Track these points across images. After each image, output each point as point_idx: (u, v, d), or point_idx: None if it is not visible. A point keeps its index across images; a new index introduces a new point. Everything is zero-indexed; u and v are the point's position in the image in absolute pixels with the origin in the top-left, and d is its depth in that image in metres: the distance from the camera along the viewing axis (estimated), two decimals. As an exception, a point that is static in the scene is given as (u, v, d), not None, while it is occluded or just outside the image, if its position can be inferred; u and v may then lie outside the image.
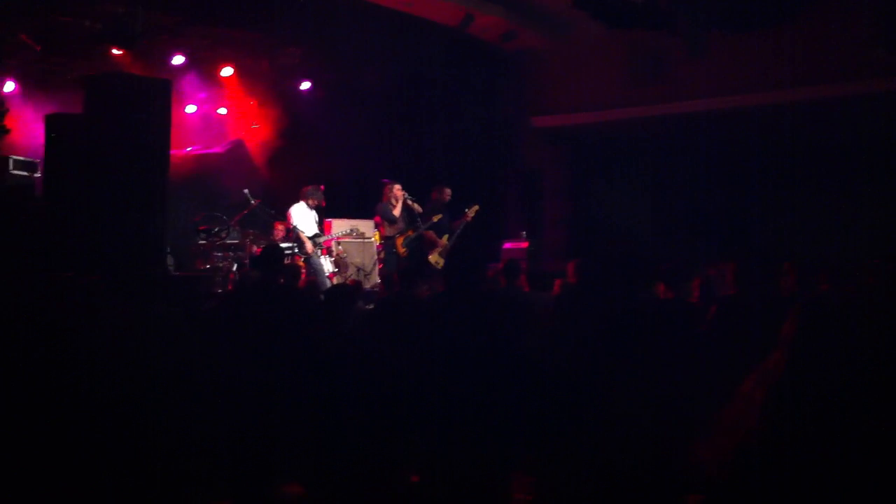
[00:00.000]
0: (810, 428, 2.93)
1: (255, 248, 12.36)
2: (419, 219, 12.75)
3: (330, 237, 12.98)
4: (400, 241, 12.67)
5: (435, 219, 12.72)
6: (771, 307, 4.93)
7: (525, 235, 14.39)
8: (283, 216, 12.92)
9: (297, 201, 12.56)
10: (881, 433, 2.91)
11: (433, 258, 12.71)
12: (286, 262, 11.46)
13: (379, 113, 14.69)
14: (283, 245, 12.10)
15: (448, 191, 12.91)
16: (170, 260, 10.97)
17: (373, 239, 13.79)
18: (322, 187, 12.68)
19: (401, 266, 11.82)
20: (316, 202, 12.58)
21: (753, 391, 3.05)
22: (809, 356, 3.05)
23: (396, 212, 12.68)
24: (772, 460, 2.94)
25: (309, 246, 12.32)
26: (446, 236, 12.79)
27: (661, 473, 4.35)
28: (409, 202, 12.73)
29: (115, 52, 12.07)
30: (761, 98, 12.77)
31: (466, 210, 12.89)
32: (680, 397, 4.48)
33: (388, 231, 12.81)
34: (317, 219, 12.66)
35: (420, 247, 12.75)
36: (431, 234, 12.74)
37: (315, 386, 5.59)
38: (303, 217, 12.49)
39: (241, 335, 5.59)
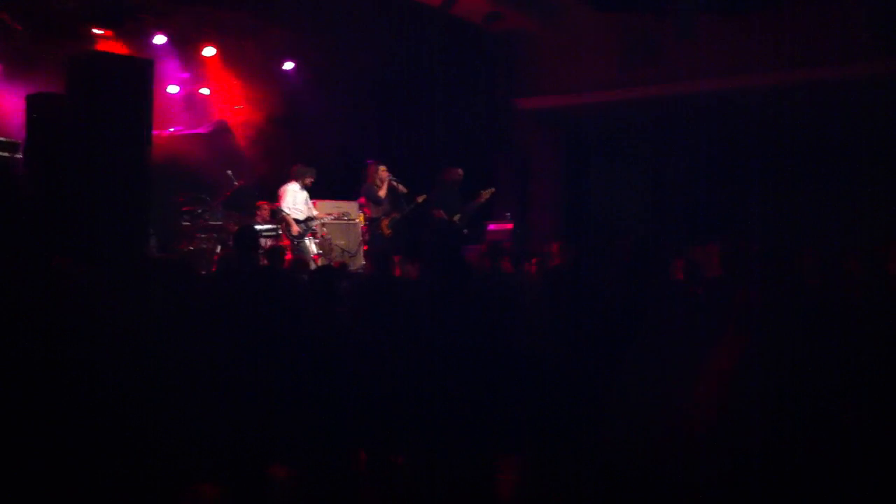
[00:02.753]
0: (781, 406, 2.95)
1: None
2: (404, 200, 12.73)
3: (321, 220, 12.92)
4: (385, 222, 12.66)
5: (419, 199, 12.68)
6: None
7: (509, 217, 14.38)
8: (267, 196, 12.86)
9: (288, 181, 12.49)
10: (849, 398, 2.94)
11: (384, 228, 12.68)
12: (269, 244, 11.45)
13: (365, 94, 14.63)
14: (265, 227, 12.05)
15: (460, 171, 12.88)
16: (153, 241, 10.91)
17: (357, 221, 13.76)
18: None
19: (384, 247, 11.81)
20: (310, 181, 12.54)
21: (720, 366, 3.07)
22: (771, 333, 3.07)
23: (382, 193, 12.65)
24: (745, 436, 2.97)
25: (295, 228, 12.28)
26: (457, 216, 12.74)
27: (654, 456, 4.36)
28: (394, 183, 12.70)
29: (96, 31, 11.95)
30: (753, 80, 12.76)
31: (482, 192, 12.86)
32: (666, 380, 4.49)
33: (374, 212, 12.79)
34: (308, 199, 12.60)
35: (407, 227, 12.74)
36: (440, 212, 12.69)
37: (301, 367, 5.58)
38: (296, 198, 12.43)
39: (225, 318, 5.56)
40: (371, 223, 12.95)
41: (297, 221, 12.39)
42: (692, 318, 4.73)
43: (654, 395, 4.48)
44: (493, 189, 12.98)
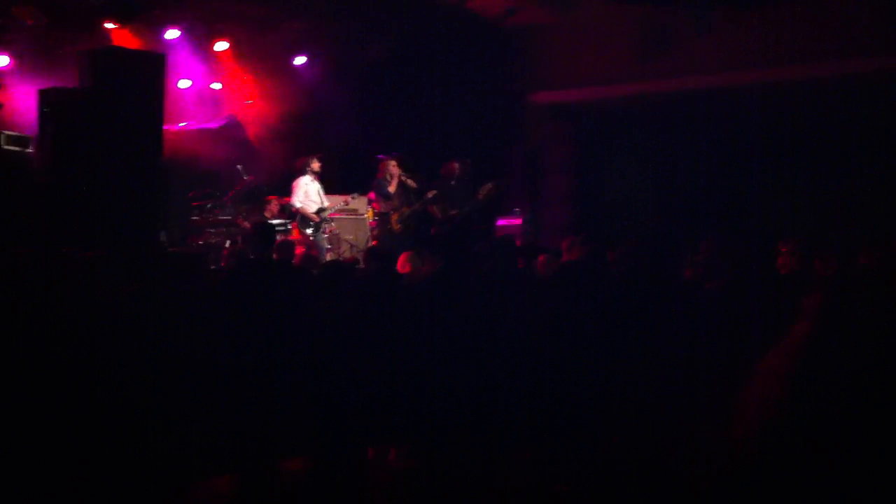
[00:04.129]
0: (840, 402, 2.93)
1: (248, 225, 12.34)
2: (414, 195, 12.71)
3: (333, 209, 12.94)
4: (395, 217, 12.63)
5: (429, 195, 12.66)
6: (770, 286, 4.95)
7: (519, 212, 14.36)
8: (277, 191, 12.88)
9: (299, 174, 12.52)
10: None
11: (394, 223, 12.65)
12: (279, 238, 11.47)
13: (377, 88, 14.63)
14: (275, 221, 12.07)
15: (457, 165, 12.82)
16: (163, 235, 10.94)
17: (366, 216, 13.76)
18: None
19: (383, 246, 11.81)
20: (318, 166, 12.56)
21: (779, 365, 3.03)
22: (837, 329, 3.04)
23: (392, 188, 12.63)
24: (801, 435, 2.94)
25: (314, 217, 12.33)
26: (454, 211, 12.67)
27: (665, 456, 4.37)
28: (404, 179, 12.68)
29: (108, 26, 11.98)
30: (767, 74, 12.68)
31: (478, 189, 12.78)
32: (680, 378, 4.49)
33: (384, 207, 12.77)
34: (321, 190, 12.62)
35: (418, 222, 12.71)
36: (434, 208, 12.66)
37: (309, 362, 5.60)
38: (308, 190, 12.46)
39: (238, 313, 5.58)
40: (381, 218, 12.94)
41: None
42: (705, 315, 4.73)
43: (668, 394, 4.49)
44: (491, 185, 12.86)
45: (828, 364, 2.96)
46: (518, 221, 14.15)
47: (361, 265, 12.04)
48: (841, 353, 2.97)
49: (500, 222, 13.97)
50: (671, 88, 13.60)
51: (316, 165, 12.58)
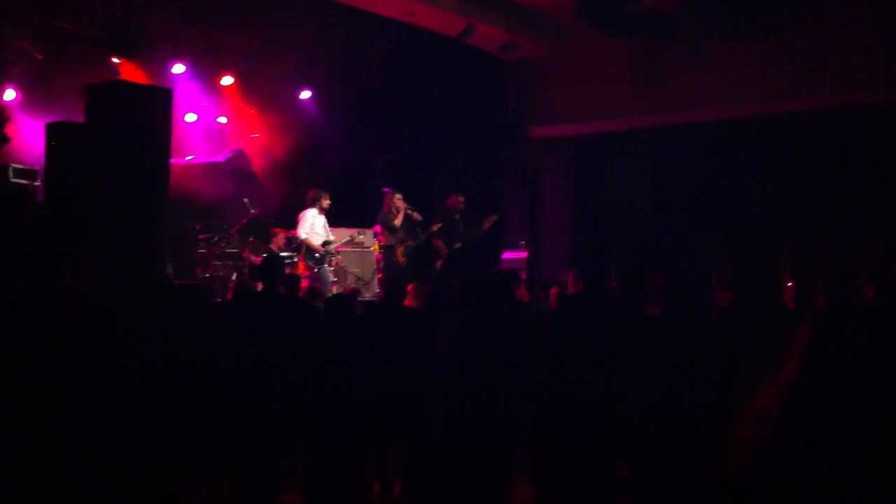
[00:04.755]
0: (828, 434, 2.93)
1: (254, 257, 12.36)
2: (419, 228, 12.75)
3: (339, 242, 12.97)
4: (400, 250, 12.66)
5: (435, 227, 12.68)
6: (772, 318, 4.93)
7: (524, 245, 14.37)
8: (283, 224, 12.90)
9: (306, 207, 12.56)
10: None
11: (398, 256, 12.67)
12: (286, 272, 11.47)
13: (379, 121, 14.70)
14: (283, 254, 12.09)
15: (461, 199, 12.86)
16: (169, 268, 10.95)
17: (372, 248, 13.78)
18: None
19: (396, 276, 11.80)
20: (328, 203, 12.61)
21: (768, 404, 3.04)
22: (821, 366, 3.04)
23: (397, 221, 12.67)
24: (792, 466, 2.95)
25: (319, 248, 12.35)
26: (457, 244, 12.67)
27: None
28: (409, 211, 12.72)
29: (115, 60, 12.08)
30: (762, 107, 12.78)
31: (483, 219, 12.79)
32: (680, 410, 4.49)
33: (389, 240, 12.81)
34: (326, 224, 12.66)
35: (423, 255, 12.73)
36: (438, 242, 12.68)
37: (316, 394, 5.60)
38: (314, 223, 12.49)
39: (242, 344, 5.58)
40: (386, 251, 12.97)
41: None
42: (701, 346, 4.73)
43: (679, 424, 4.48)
44: (495, 217, 12.88)
45: (814, 402, 2.96)
46: (524, 255, 14.16)
47: (367, 296, 12.11)
48: (826, 390, 2.97)
49: (506, 255, 13.98)
50: (667, 122, 13.69)
51: (326, 203, 12.62)
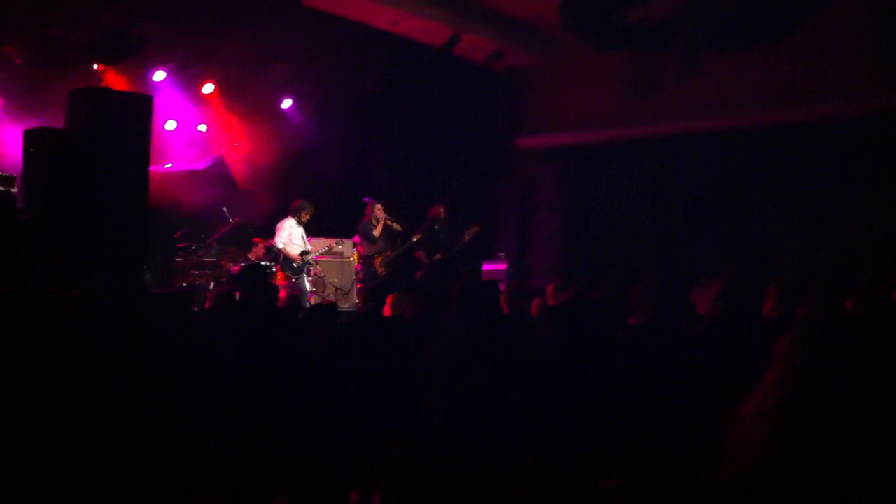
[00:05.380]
0: (826, 434, 2.95)
1: (232, 266, 12.33)
2: (399, 239, 12.74)
3: (318, 252, 12.94)
4: (378, 260, 12.65)
5: (415, 238, 12.67)
6: (757, 327, 4.98)
7: (504, 256, 14.38)
8: (262, 233, 12.87)
9: (286, 216, 12.52)
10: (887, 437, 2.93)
11: (377, 267, 12.64)
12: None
13: (366, 131, 14.71)
14: (262, 264, 12.05)
15: (442, 209, 12.82)
16: (147, 276, 10.91)
17: (351, 259, 13.77)
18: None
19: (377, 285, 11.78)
20: (308, 217, 12.57)
21: (761, 406, 3.06)
22: (810, 366, 3.06)
23: (377, 232, 12.66)
24: (791, 471, 2.96)
25: (296, 258, 12.31)
26: (438, 255, 12.64)
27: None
28: (390, 222, 12.71)
29: (96, 66, 12.03)
30: (759, 117, 12.74)
31: (464, 231, 12.77)
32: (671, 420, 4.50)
33: (367, 250, 12.80)
34: (304, 234, 12.63)
35: (402, 266, 12.71)
36: (420, 252, 12.65)
37: (297, 404, 5.58)
38: (292, 233, 12.47)
39: (222, 354, 5.56)
40: (365, 261, 12.96)
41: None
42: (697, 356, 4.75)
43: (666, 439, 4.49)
44: (477, 227, 12.86)
45: (810, 401, 2.98)
46: (503, 266, 14.17)
47: (345, 307, 12.08)
48: (818, 390, 3.00)
49: (485, 266, 13.98)
50: (658, 132, 13.70)
51: (306, 217, 12.59)
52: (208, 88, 13.75)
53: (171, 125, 14.00)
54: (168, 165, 13.94)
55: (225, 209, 13.13)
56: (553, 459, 4.91)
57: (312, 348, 5.83)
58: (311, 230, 12.91)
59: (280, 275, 12.47)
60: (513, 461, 4.83)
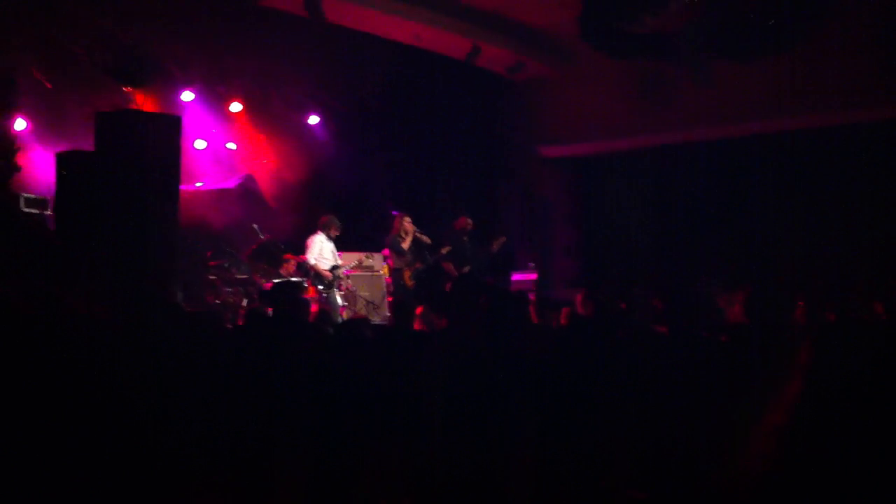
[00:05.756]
0: (835, 450, 2.94)
1: (264, 283, 12.40)
2: (427, 251, 12.77)
3: (348, 266, 12.99)
4: (408, 273, 12.67)
5: (444, 251, 12.71)
6: (782, 338, 4.95)
7: (534, 266, 14.38)
8: (293, 249, 12.94)
9: (315, 232, 12.58)
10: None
11: (406, 280, 12.68)
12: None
13: (389, 145, 14.77)
14: (293, 280, 12.12)
15: (469, 220, 12.88)
16: (179, 295, 11.01)
17: (381, 272, 13.80)
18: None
19: (406, 299, 11.82)
20: (337, 232, 12.61)
21: (778, 423, 3.05)
22: (825, 382, 3.05)
23: (406, 244, 12.69)
24: (803, 485, 2.96)
25: (327, 275, 12.35)
26: (467, 267, 12.69)
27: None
28: (418, 235, 12.75)
29: (125, 88, 12.16)
30: (767, 125, 12.80)
31: (492, 241, 12.81)
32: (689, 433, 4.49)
33: (397, 263, 12.83)
34: (334, 249, 12.67)
35: (430, 279, 12.74)
36: (448, 265, 12.69)
37: (326, 420, 5.60)
38: (322, 248, 12.51)
39: (253, 370, 5.60)
40: (394, 274, 12.99)
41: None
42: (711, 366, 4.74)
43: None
44: (504, 238, 12.91)
45: (819, 418, 2.97)
46: (533, 276, 14.17)
47: (377, 320, 12.12)
48: (831, 406, 2.98)
49: (515, 277, 13.99)
50: (672, 141, 13.73)
51: (335, 232, 12.63)
52: (236, 107, 13.87)
53: (200, 144, 14.13)
54: (198, 184, 14.05)
55: (256, 226, 13.21)
56: (559, 461, 4.91)
57: (340, 362, 5.86)
58: (341, 244, 12.96)
59: (311, 290, 12.52)
60: (513, 461, 4.83)
